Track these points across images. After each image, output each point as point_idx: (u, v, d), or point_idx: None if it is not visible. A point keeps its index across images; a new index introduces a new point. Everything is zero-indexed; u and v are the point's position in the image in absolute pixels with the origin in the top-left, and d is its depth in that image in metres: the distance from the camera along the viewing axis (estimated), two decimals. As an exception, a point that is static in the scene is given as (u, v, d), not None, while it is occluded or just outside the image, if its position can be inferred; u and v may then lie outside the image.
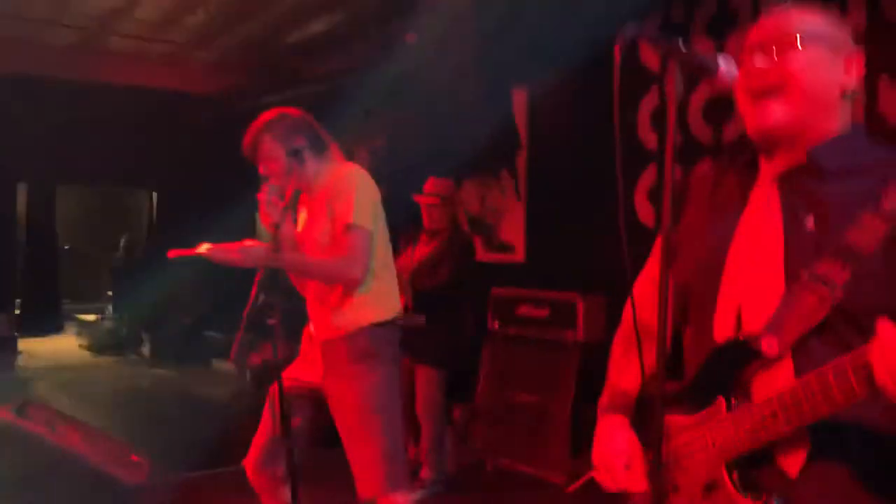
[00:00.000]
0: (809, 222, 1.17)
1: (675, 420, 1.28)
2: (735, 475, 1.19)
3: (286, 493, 2.42)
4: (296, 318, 2.68)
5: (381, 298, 2.51)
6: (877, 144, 1.23)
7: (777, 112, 1.18)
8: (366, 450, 2.38)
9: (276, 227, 2.39)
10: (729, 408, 1.20)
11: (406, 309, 3.92)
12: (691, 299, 1.34)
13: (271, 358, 5.76)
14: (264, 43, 6.75)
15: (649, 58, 4.62)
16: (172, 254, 2.40)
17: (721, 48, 4.24)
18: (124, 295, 9.06)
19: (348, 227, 2.40)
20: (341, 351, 2.46)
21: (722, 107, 4.17)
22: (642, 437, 1.36)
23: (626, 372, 1.44)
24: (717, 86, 1.15)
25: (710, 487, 1.21)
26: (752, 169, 1.29)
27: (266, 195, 2.47)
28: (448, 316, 3.98)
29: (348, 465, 2.44)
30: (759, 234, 1.23)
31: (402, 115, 6.32)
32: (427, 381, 3.95)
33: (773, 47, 1.19)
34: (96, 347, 8.97)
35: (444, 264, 3.98)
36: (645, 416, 1.38)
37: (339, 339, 2.47)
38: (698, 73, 1.12)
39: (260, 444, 2.56)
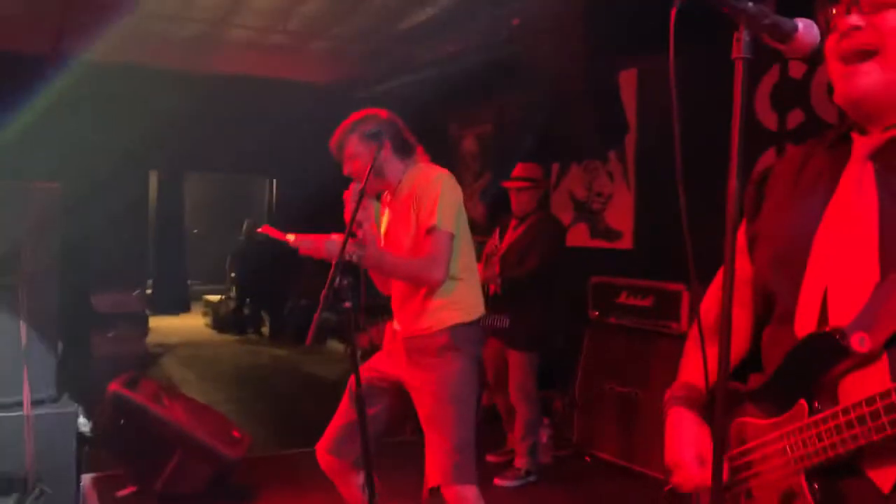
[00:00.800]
0: None
1: (752, 422, 1.17)
2: (816, 486, 1.06)
3: (358, 479, 2.49)
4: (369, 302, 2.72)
5: (463, 301, 2.53)
6: None
7: (870, 77, 1.05)
8: (438, 438, 2.42)
9: (360, 225, 2.42)
10: (811, 412, 1.07)
11: (494, 296, 3.88)
12: (774, 288, 1.20)
13: (378, 338, 5.87)
14: (377, 31, 6.83)
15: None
16: (264, 229, 2.46)
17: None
18: (246, 276, 9.48)
19: (431, 230, 2.44)
20: (424, 346, 2.50)
21: (789, 92, 3.91)
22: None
23: (693, 366, 1.34)
24: (794, 52, 1.03)
25: (788, 497, 1.09)
26: (843, 146, 1.15)
27: (352, 194, 2.51)
28: (538, 301, 3.94)
29: (422, 456, 2.46)
30: (850, 217, 1.09)
31: (509, 99, 6.25)
32: (518, 365, 3.94)
33: (868, 3, 1.05)
34: (220, 326, 9.46)
35: (533, 249, 3.96)
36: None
37: (421, 337, 2.51)
38: (772, 36, 1.00)
39: (335, 428, 2.59)
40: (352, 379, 2.35)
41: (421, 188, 2.49)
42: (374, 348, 6.10)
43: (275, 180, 9.66)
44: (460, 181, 2.73)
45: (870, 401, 0.97)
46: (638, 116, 5.01)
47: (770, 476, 1.12)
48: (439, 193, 2.46)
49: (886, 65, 1.04)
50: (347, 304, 2.13)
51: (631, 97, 5.05)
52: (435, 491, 2.40)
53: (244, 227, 9.71)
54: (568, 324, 4.35)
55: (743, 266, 1.28)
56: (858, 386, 1.02)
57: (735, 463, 1.19)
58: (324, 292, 2.08)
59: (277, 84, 7.73)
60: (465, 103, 6.86)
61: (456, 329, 2.48)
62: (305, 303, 8.70)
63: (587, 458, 4.18)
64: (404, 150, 2.59)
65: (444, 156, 7.29)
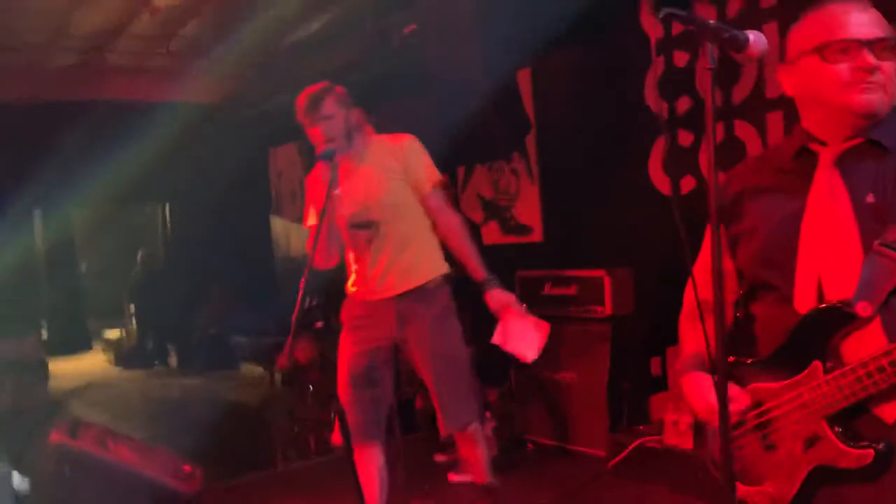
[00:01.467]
0: (870, 197, 1.32)
1: (765, 386, 1.43)
2: (837, 428, 1.33)
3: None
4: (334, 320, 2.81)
5: (440, 251, 2.83)
6: None
7: (880, 99, 1.35)
8: (459, 383, 2.74)
9: (334, 190, 2.52)
10: (826, 370, 1.33)
11: None
12: (765, 277, 1.46)
13: (299, 359, 5.83)
14: (261, 47, 6.76)
15: (649, 25, 4.63)
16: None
17: (722, 13, 4.23)
18: (146, 308, 9.16)
19: (437, 186, 2.78)
20: (423, 299, 2.76)
21: (728, 70, 4.19)
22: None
23: (696, 339, 1.57)
24: (746, 57, 1.18)
25: (812, 441, 1.35)
26: (806, 157, 1.43)
27: (325, 155, 2.61)
28: (468, 299, 4.02)
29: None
30: (828, 213, 1.36)
31: (406, 107, 6.33)
32: None
33: (878, 49, 1.35)
34: (124, 362, 9.09)
35: None
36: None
37: (417, 290, 2.75)
38: (730, 47, 1.15)
39: (361, 419, 2.75)
40: (350, 363, 2.70)
41: (410, 151, 2.78)
42: (296, 367, 6.06)
43: (167, 205, 9.36)
44: None
45: (887, 353, 1.24)
46: (536, 114, 5.21)
47: (793, 427, 1.38)
48: (425, 154, 2.82)
49: (886, 96, 1.36)
50: (319, 324, 2.17)
51: (528, 95, 5.24)
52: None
53: (139, 257, 9.36)
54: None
55: (724, 260, 1.49)
56: (858, 345, 1.30)
57: (752, 423, 1.45)
58: (294, 314, 2.10)
59: (163, 107, 7.51)
60: (362, 112, 6.89)
61: (443, 282, 2.80)
62: (214, 331, 8.50)
63: (530, 445, 4.33)
64: (363, 121, 2.89)
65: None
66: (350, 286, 2.89)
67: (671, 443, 3.56)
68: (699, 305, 1.43)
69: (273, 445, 5.39)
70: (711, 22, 1.12)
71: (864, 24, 1.36)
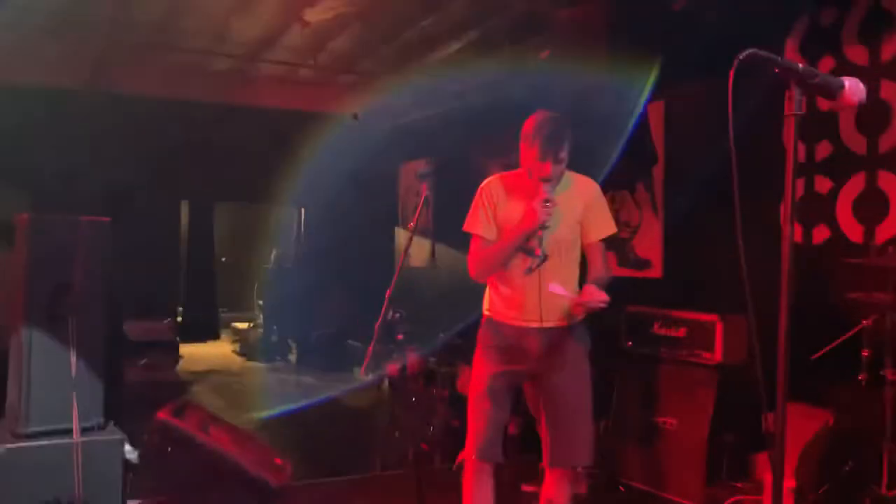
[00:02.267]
0: None
1: None
2: None
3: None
4: (423, 333, 2.84)
5: None
6: None
7: None
8: (583, 420, 2.82)
9: (546, 228, 2.67)
10: None
11: None
12: None
13: (406, 368, 5.93)
14: (403, 64, 6.98)
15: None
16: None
17: (876, 52, 3.97)
18: (274, 304, 9.59)
19: (607, 238, 2.91)
20: (570, 335, 2.86)
21: (877, 116, 3.92)
22: None
23: None
24: (840, 105, 1.11)
25: None
26: None
27: (551, 194, 2.68)
28: None
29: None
30: None
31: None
32: None
33: None
34: (248, 353, 9.55)
35: None
36: None
37: (568, 328, 2.85)
38: (820, 93, 1.08)
39: (487, 434, 2.84)
40: (489, 383, 2.81)
41: (596, 197, 2.91)
42: (402, 376, 6.17)
43: (303, 209, 9.81)
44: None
45: None
46: (666, 147, 5.08)
47: None
48: (607, 206, 2.96)
49: None
50: (400, 336, 2.21)
51: (659, 128, 5.12)
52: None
53: (272, 255, 9.85)
54: (601, 353, 4.39)
55: None
56: None
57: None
58: (377, 324, 2.15)
59: (306, 116, 7.90)
60: (492, 133, 6.96)
61: (583, 324, 2.91)
62: (332, 331, 8.79)
63: (622, 488, 4.19)
64: None
65: (469, 184, 7.41)
66: (495, 308, 2.95)
67: (771, 505, 3.34)
68: None
69: (370, 450, 5.50)
70: (799, 66, 1.06)
71: None
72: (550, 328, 2.83)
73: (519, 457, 4.11)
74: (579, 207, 2.85)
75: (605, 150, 5.02)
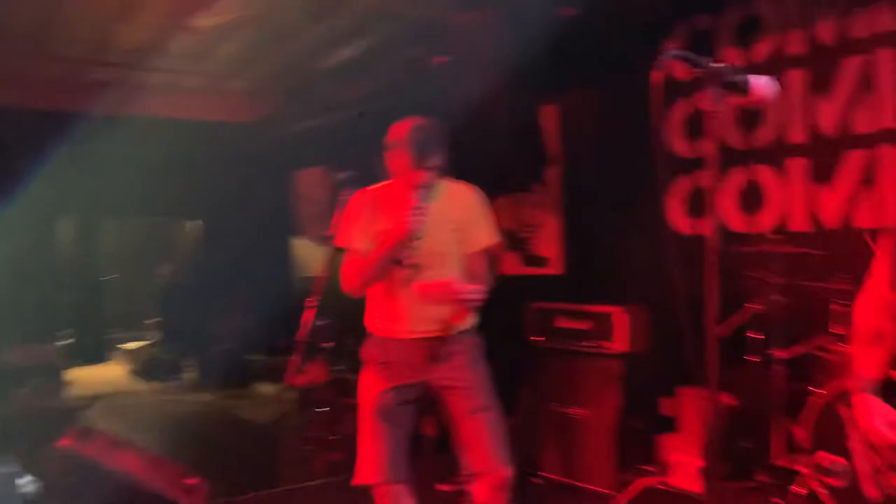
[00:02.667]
0: None
1: None
2: None
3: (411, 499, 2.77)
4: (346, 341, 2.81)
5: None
6: None
7: None
8: (498, 428, 2.76)
9: (418, 238, 2.63)
10: None
11: None
12: None
13: (315, 379, 5.84)
14: (296, 70, 6.89)
15: (677, 68, 4.66)
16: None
17: (749, 55, 4.26)
18: (168, 321, 9.24)
19: (490, 248, 2.82)
20: (465, 344, 2.82)
21: (751, 114, 4.20)
22: None
23: (867, 364, 1.86)
24: (752, 103, 1.20)
25: None
26: None
27: (421, 201, 2.62)
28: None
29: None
30: None
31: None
32: None
33: None
34: (143, 373, 9.16)
35: None
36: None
37: (459, 335, 2.80)
38: (732, 90, 1.16)
39: (385, 455, 2.76)
40: (380, 401, 2.70)
41: (475, 205, 2.83)
42: (311, 387, 6.07)
43: (199, 222, 9.49)
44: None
45: None
46: (563, 148, 5.25)
47: None
48: (491, 213, 2.87)
49: None
50: (327, 345, 2.18)
51: (553, 130, 5.28)
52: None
53: (166, 270, 9.48)
54: (507, 350, 4.48)
55: (891, 294, 1.86)
56: None
57: None
58: (300, 334, 2.12)
59: (196, 125, 7.66)
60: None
61: (472, 331, 2.85)
62: (231, 346, 8.55)
63: (536, 480, 4.30)
64: None
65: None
66: (377, 324, 2.87)
67: (679, 484, 3.52)
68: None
69: (281, 464, 5.39)
70: (714, 65, 1.13)
71: None
72: (436, 338, 2.76)
73: (435, 457, 4.14)
74: (456, 216, 2.77)
75: (503, 152, 5.13)
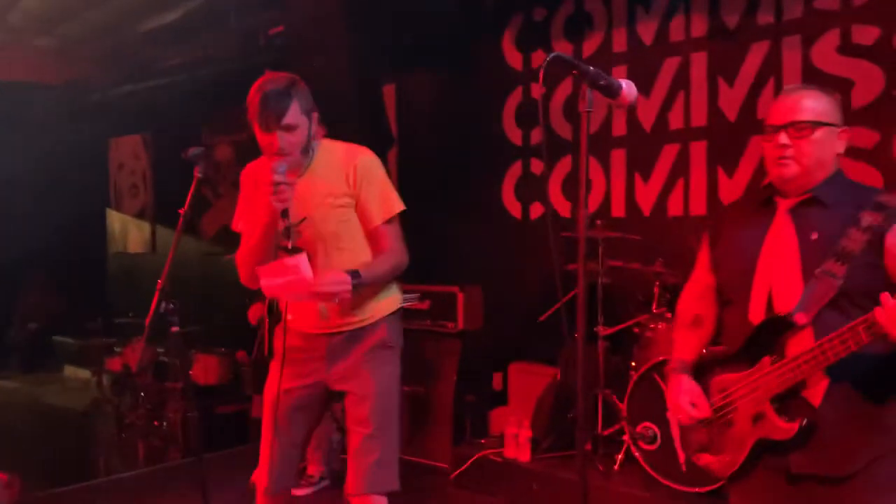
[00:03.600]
0: (814, 235, 1.74)
1: (729, 377, 1.84)
2: (776, 406, 1.73)
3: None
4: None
5: (395, 286, 2.48)
6: (852, 182, 1.82)
7: (793, 170, 1.76)
8: (382, 440, 2.32)
9: (286, 212, 2.14)
10: (772, 363, 1.74)
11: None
12: (731, 293, 1.89)
13: (131, 363, 5.52)
14: (113, 30, 6.40)
15: (513, 57, 4.84)
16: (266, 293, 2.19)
17: (578, 48, 4.51)
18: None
19: (393, 219, 2.37)
20: (363, 340, 2.38)
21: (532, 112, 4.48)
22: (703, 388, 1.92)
23: (683, 346, 1.98)
24: (618, 104, 1.29)
25: (757, 418, 1.76)
26: (769, 205, 1.86)
27: (278, 175, 2.11)
28: None
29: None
30: (780, 247, 1.79)
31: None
32: None
33: (793, 130, 1.74)
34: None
35: None
36: (699, 378, 1.94)
37: (359, 330, 2.37)
38: (604, 92, 1.24)
39: (274, 464, 2.39)
40: (279, 401, 2.31)
41: (363, 172, 2.31)
42: (127, 372, 5.73)
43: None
44: (215, 190, 2.53)
45: (814, 349, 1.64)
46: (399, 130, 5.29)
47: (746, 408, 1.79)
48: (387, 180, 2.37)
49: (802, 165, 1.76)
50: (175, 329, 2.07)
51: (391, 111, 5.30)
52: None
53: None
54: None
55: (709, 278, 1.99)
56: (797, 344, 1.71)
57: (719, 404, 1.86)
58: (148, 318, 2.00)
59: (-2, 85, 6.92)
60: (219, 110, 6.69)
61: (390, 320, 2.42)
62: (34, 326, 7.87)
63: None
64: (319, 124, 2.34)
65: (206, 168, 7.04)
66: (286, 312, 2.48)
67: (511, 455, 3.70)
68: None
69: (98, 453, 5.07)
70: (592, 69, 1.21)
71: (785, 110, 1.76)
72: (341, 332, 2.38)
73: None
74: (342, 185, 2.32)
75: (342, 131, 5.07)
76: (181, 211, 2.22)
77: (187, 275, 5.90)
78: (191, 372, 5.22)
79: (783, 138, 1.74)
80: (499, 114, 4.88)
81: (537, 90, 4.69)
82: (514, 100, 4.83)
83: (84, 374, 7.07)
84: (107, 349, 6.58)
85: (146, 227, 7.91)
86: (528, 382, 4.06)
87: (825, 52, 3.59)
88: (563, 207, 4.60)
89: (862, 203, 1.72)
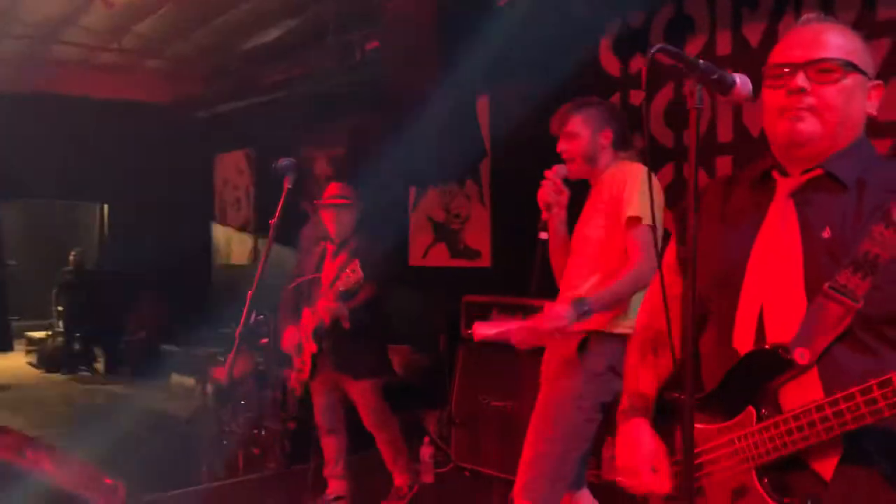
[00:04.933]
0: (826, 232, 1.21)
1: (700, 427, 1.29)
2: (766, 480, 1.22)
3: None
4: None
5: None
6: (881, 156, 1.31)
7: (812, 127, 1.23)
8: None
9: (549, 207, 2.49)
10: (759, 418, 1.23)
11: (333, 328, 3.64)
12: (710, 309, 1.35)
13: (236, 374, 5.66)
14: (218, 50, 6.64)
15: (610, 64, 4.71)
16: (477, 336, 2.50)
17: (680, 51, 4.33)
18: (75, 309, 8.80)
19: (633, 221, 2.34)
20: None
21: (683, 112, 4.27)
22: (665, 440, 1.38)
23: (643, 377, 1.47)
24: (732, 100, 1.18)
25: (740, 493, 1.24)
26: (766, 184, 1.33)
27: (553, 174, 2.51)
28: (378, 327, 3.81)
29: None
30: (777, 246, 1.26)
31: (363, 122, 6.29)
32: (369, 393, 3.75)
33: (814, 70, 1.23)
34: (47, 364, 8.70)
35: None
36: (666, 420, 1.40)
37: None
38: (716, 89, 1.14)
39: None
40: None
41: (618, 178, 2.43)
42: (233, 382, 5.88)
43: (106, 205, 9.06)
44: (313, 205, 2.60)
45: (819, 408, 1.14)
46: (492, 141, 5.24)
47: (722, 475, 1.27)
48: (639, 183, 2.35)
49: (826, 122, 1.23)
50: (265, 340, 2.07)
51: (484, 122, 5.26)
52: None
53: (71, 256, 8.99)
54: (437, 341, 4.44)
55: (675, 283, 1.43)
56: (796, 394, 1.20)
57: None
58: (238, 329, 2.01)
59: (109, 104, 7.30)
60: (317, 125, 6.83)
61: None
62: (144, 335, 8.22)
63: (466, 473, 4.27)
64: (623, 144, 2.57)
65: (297, 179, 7.22)
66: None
67: (609, 478, 3.55)
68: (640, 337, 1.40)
69: (200, 461, 5.20)
70: (701, 62, 1.10)
71: (805, 43, 1.25)
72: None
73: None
74: (609, 201, 2.54)
75: (436, 143, 5.07)
76: (272, 222, 2.23)
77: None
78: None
79: (801, 80, 1.22)
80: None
81: (636, 97, 4.54)
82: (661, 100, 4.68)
83: (189, 381, 7.30)
84: (210, 358, 6.78)
85: (249, 240, 8.14)
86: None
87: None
88: (665, 217, 4.41)
89: (893, 186, 1.20)
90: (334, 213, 3.81)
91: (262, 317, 2.07)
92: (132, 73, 7.14)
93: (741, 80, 1.15)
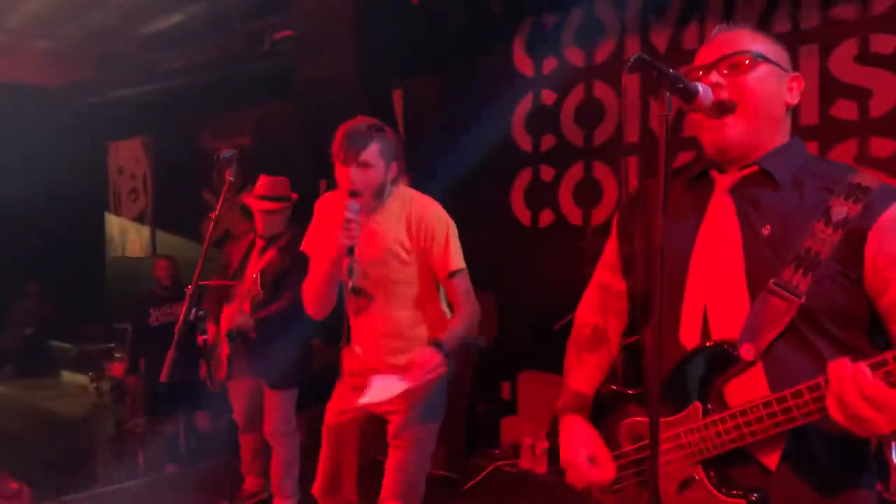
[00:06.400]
0: (766, 229, 1.24)
1: (644, 421, 1.32)
2: (712, 473, 1.26)
3: None
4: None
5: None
6: (816, 157, 1.35)
7: (734, 127, 1.27)
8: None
9: (352, 250, 2.18)
10: (706, 413, 1.26)
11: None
12: (652, 306, 1.32)
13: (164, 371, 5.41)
14: (114, 33, 6.33)
15: (523, 63, 4.81)
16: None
17: (590, 55, 4.48)
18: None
19: (455, 273, 2.37)
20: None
21: (594, 112, 4.44)
22: (603, 434, 1.41)
23: (580, 374, 1.50)
24: (693, 108, 1.25)
25: (685, 485, 1.27)
26: (704, 182, 1.36)
27: (351, 212, 2.17)
28: (297, 334, 3.62)
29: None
30: (718, 243, 1.29)
31: (271, 111, 6.16)
32: (280, 403, 3.61)
33: (727, 65, 1.28)
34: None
35: (289, 278, 3.43)
36: (605, 415, 1.43)
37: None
38: (681, 97, 1.20)
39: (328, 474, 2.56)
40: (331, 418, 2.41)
41: (429, 224, 2.36)
42: (134, 377, 5.62)
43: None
44: (215, 194, 2.49)
45: (766, 404, 1.18)
46: (406, 134, 5.24)
47: (668, 467, 1.29)
48: (450, 234, 2.37)
49: (746, 116, 1.27)
50: (202, 339, 2.02)
51: (399, 116, 5.26)
52: None
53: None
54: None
55: (616, 281, 1.48)
56: (741, 389, 1.24)
57: (630, 458, 1.37)
58: (178, 326, 1.95)
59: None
60: (221, 114, 6.63)
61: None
62: (30, 332, 7.75)
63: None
64: (400, 177, 2.44)
65: (194, 166, 6.99)
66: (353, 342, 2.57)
67: (527, 467, 3.66)
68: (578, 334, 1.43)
69: (99, 462, 4.96)
70: (672, 71, 1.16)
71: (715, 45, 1.31)
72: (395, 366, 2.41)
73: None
74: (402, 231, 2.37)
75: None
76: (212, 216, 2.18)
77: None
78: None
79: (715, 77, 1.26)
80: (508, 120, 4.84)
81: (549, 97, 4.66)
82: (524, 106, 4.80)
83: (82, 379, 6.96)
84: (106, 354, 6.49)
85: (145, 231, 7.82)
86: (538, 392, 4.02)
87: (843, 62, 3.57)
88: (574, 215, 4.56)
89: (831, 186, 1.23)
90: (264, 212, 3.65)
91: (202, 312, 2.00)
92: (19, 54, 6.70)
93: (703, 90, 1.22)
